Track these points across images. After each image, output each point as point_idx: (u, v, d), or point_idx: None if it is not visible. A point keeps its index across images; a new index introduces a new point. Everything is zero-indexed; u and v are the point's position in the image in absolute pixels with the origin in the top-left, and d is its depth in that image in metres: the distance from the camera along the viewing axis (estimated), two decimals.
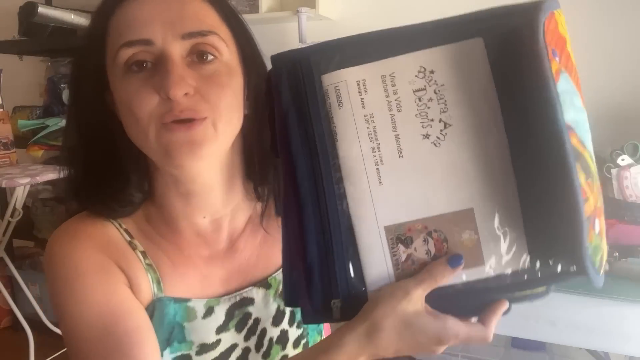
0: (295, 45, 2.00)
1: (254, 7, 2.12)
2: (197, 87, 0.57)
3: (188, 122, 0.56)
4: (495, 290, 0.50)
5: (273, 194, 0.69)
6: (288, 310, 0.72)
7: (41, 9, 2.04)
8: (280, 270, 0.69)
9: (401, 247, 0.50)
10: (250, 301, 0.69)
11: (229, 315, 0.67)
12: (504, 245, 0.49)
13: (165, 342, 0.63)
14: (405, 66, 0.49)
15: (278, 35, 2.24)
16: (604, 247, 0.50)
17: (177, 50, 0.57)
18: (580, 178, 0.45)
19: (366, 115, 0.50)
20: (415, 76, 0.49)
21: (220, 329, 0.66)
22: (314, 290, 0.51)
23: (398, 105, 0.49)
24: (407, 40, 0.49)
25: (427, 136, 0.49)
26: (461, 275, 0.50)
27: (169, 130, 0.57)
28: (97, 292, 0.59)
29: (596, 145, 0.52)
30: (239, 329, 0.68)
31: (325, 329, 0.80)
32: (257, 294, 0.69)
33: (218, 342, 0.66)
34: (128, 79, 0.57)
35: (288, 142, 0.51)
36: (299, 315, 0.71)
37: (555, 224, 0.46)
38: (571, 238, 0.45)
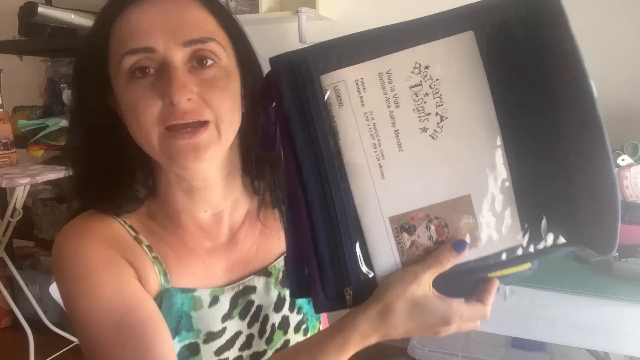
0: (295, 45, 2.00)
1: (254, 7, 2.12)
2: (199, 92, 0.60)
3: (192, 128, 0.60)
4: (492, 267, 0.54)
5: (269, 188, 0.73)
6: (288, 297, 0.75)
7: (41, 9, 2.04)
8: (280, 258, 0.75)
9: (405, 235, 0.54)
10: (252, 289, 0.72)
11: (233, 303, 0.70)
12: (499, 226, 0.53)
13: (174, 332, 0.65)
14: (401, 63, 0.51)
15: (278, 35, 2.24)
16: None
17: (179, 56, 0.60)
18: None
19: (366, 113, 0.52)
20: (411, 72, 0.51)
21: (225, 317, 0.69)
22: (326, 281, 0.54)
23: (396, 102, 0.52)
24: (401, 38, 0.51)
25: (424, 130, 0.52)
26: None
27: (173, 137, 0.60)
28: (109, 286, 0.62)
29: None
30: (242, 317, 0.71)
31: (323, 315, 0.84)
32: (258, 282, 0.73)
33: (224, 330, 0.69)
34: (132, 84, 0.60)
35: (292, 143, 0.52)
36: (299, 302, 0.76)
37: (562, 202, 0.52)
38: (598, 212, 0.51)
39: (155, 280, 0.65)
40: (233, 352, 0.70)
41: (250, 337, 0.72)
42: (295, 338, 0.75)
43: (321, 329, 0.80)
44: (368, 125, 0.52)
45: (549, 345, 1.81)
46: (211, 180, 0.67)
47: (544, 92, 0.51)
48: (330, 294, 0.54)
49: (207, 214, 0.70)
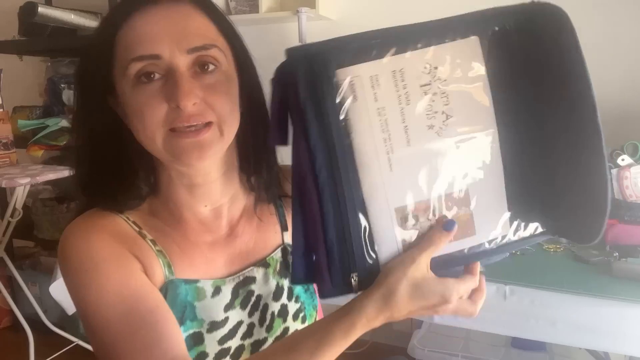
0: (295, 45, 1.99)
1: (254, 7, 2.13)
2: (203, 96, 0.64)
3: (196, 127, 0.63)
4: (483, 254, 0.59)
5: (265, 185, 0.77)
6: (286, 286, 0.79)
7: (41, 9, 2.04)
8: (277, 250, 0.80)
9: (409, 225, 0.57)
10: (252, 280, 0.76)
11: (234, 293, 0.74)
12: (491, 216, 0.59)
13: (179, 321, 0.68)
14: (413, 63, 0.54)
15: (278, 35, 2.24)
16: None
17: (183, 63, 0.63)
18: None
19: (379, 109, 0.54)
20: (422, 72, 0.54)
21: (227, 307, 0.73)
22: (333, 268, 0.56)
23: (407, 99, 0.55)
24: (415, 38, 0.54)
25: (431, 127, 0.56)
26: (458, 245, 0.58)
27: (177, 136, 0.63)
28: (117, 278, 0.64)
29: None
30: (243, 306, 0.75)
31: (318, 305, 0.87)
32: (257, 272, 0.77)
33: (226, 319, 0.73)
34: (138, 89, 0.63)
35: (306, 134, 0.54)
36: (296, 291, 0.80)
37: (548, 196, 0.57)
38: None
39: (160, 272, 0.68)
40: (235, 340, 0.74)
41: (251, 326, 0.76)
42: (294, 325, 0.79)
43: (317, 318, 0.83)
44: (380, 120, 0.54)
45: (549, 345, 1.81)
46: (211, 176, 0.71)
47: (541, 93, 0.55)
48: (336, 280, 0.56)
49: (207, 208, 0.74)
